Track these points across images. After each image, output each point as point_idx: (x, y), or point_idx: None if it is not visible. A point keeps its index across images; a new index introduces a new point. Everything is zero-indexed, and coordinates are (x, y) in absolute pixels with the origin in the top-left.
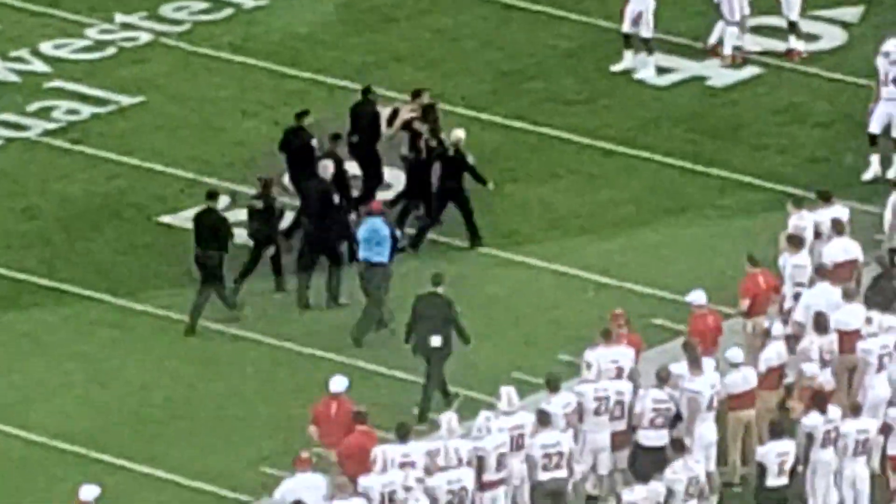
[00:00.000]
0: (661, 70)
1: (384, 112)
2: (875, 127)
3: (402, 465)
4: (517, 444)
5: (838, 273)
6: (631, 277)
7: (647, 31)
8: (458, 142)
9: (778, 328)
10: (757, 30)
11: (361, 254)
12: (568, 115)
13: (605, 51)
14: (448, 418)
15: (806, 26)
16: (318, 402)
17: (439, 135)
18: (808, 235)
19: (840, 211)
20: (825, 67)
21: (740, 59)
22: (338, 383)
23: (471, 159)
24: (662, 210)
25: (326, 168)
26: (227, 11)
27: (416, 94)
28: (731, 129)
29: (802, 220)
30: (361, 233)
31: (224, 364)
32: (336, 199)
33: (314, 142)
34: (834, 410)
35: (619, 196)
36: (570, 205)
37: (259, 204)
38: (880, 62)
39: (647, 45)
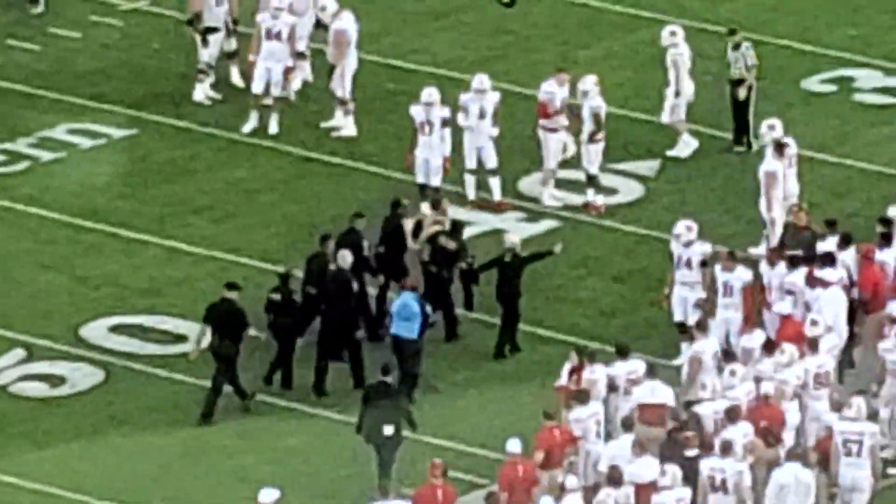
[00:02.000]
0: (457, 223)
1: (408, 224)
2: (678, 314)
3: None
4: None
5: (646, 414)
6: (430, 431)
7: (437, 181)
8: (513, 247)
9: (572, 481)
10: (556, 183)
11: (393, 329)
12: None
13: None
14: None
15: (604, 180)
16: None
17: (467, 251)
18: (601, 389)
19: (637, 364)
20: (622, 221)
21: (508, 206)
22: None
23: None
24: None
25: (345, 258)
26: (24, 164)
27: (435, 205)
28: (527, 281)
29: (593, 374)
30: (394, 308)
31: None
32: (355, 286)
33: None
34: None
35: None
36: None
37: (277, 297)
38: (673, 245)
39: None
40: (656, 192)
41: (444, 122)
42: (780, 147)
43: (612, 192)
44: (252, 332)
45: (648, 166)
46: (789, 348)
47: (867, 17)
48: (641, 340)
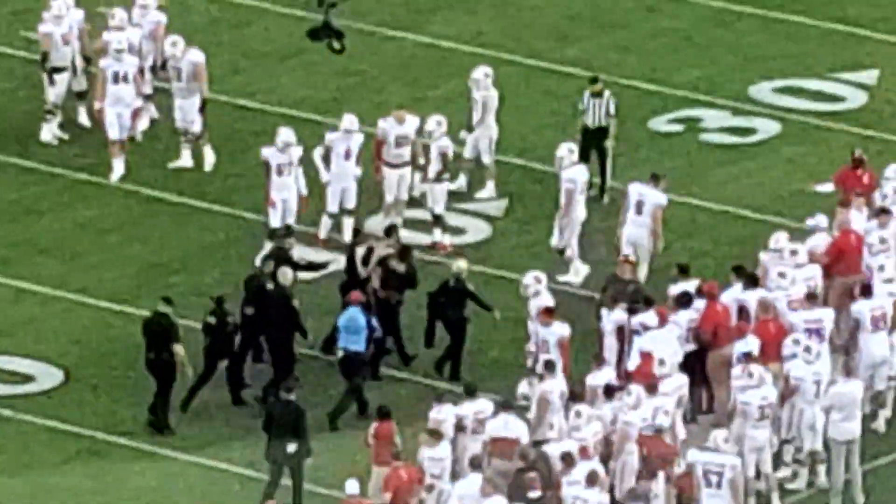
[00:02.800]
0: (301, 266)
1: (359, 251)
2: (523, 386)
3: None
4: None
5: (499, 447)
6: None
7: (291, 220)
8: (459, 272)
9: None
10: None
11: (340, 342)
12: None
13: (252, 244)
14: None
15: (451, 219)
16: None
17: (415, 274)
18: (448, 430)
19: (485, 405)
20: (470, 260)
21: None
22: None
23: (472, 287)
24: None
25: (286, 275)
26: None
27: (388, 232)
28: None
29: (440, 414)
30: (341, 322)
31: None
32: (296, 303)
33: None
34: None
35: None
36: None
37: (212, 320)
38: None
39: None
40: (504, 232)
41: (300, 162)
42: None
43: (459, 231)
44: (179, 348)
45: (496, 206)
46: (636, 389)
47: (713, 58)
48: (489, 381)
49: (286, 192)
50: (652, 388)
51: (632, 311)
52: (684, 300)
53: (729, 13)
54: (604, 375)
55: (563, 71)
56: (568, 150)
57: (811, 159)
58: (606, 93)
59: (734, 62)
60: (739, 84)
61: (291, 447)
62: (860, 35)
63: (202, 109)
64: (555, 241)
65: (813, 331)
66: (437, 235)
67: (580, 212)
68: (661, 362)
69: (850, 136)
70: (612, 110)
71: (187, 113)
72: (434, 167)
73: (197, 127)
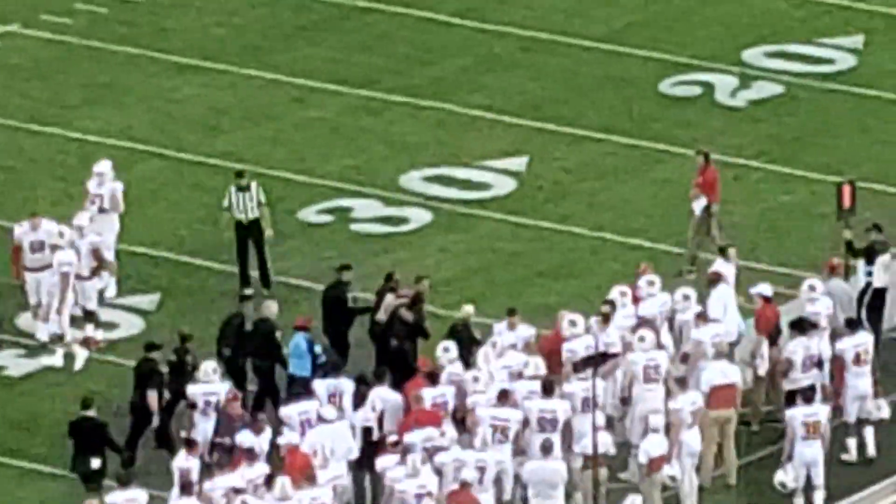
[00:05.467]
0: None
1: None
2: None
3: None
4: None
5: None
6: None
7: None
8: (467, 318)
9: None
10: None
11: (290, 368)
12: None
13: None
14: None
15: (105, 315)
16: None
17: (423, 324)
18: None
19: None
20: (123, 355)
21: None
22: None
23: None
24: None
25: (270, 308)
26: None
27: (388, 278)
28: (28, 419)
29: None
30: (290, 347)
31: None
32: (279, 335)
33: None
34: None
35: None
36: None
37: (173, 357)
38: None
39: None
40: (157, 326)
41: None
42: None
43: (112, 326)
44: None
45: (149, 300)
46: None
47: (362, 148)
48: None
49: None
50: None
51: None
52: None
53: (377, 102)
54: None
55: (212, 164)
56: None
57: (460, 247)
58: (253, 185)
59: (384, 151)
60: (390, 173)
61: (95, 463)
62: (507, 122)
63: None
64: None
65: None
66: (89, 331)
67: None
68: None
69: (498, 222)
70: (263, 199)
71: None
72: (86, 263)
73: None
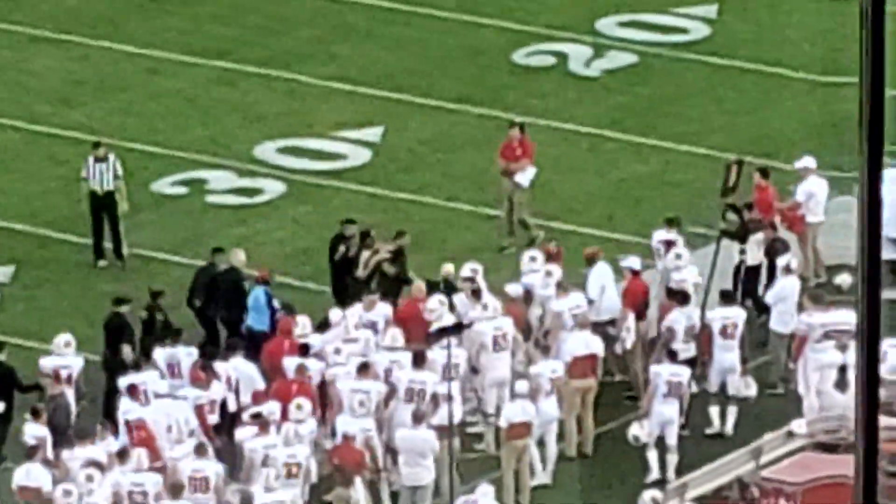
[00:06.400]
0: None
1: (364, 255)
2: None
3: None
4: None
5: None
6: None
7: None
8: (448, 275)
9: None
10: None
11: (247, 321)
12: None
13: None
14: None
15: None
16: None
17: (406, 277)
18: None
19: None
20: None
21: None
22: None
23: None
24: None
25: (237, 255)
26: None
27: (365, 235)
28: None
29: None
30: (249, 301)
31: None
32: (246, 285)
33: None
34: None
35: None
36: None
37: (144, 315)
38: None
39: None
40: (10, 298)
41: None
42: None
43: None
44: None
45: (3, 272)
46: None
47: (216, 119)
48: None
49: None
50: None
51: None
52: None
53: (231, 73)
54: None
55: (66, 136)
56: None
57: (313, 218)
58: (111, 156)
59: (238, 122)
60: (244, 144)
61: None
62: (361, 93)
63: None
64: None
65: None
66: None
67: None
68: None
69: (352, 193)
70: (119, 172)
71: None
72: None
73: None
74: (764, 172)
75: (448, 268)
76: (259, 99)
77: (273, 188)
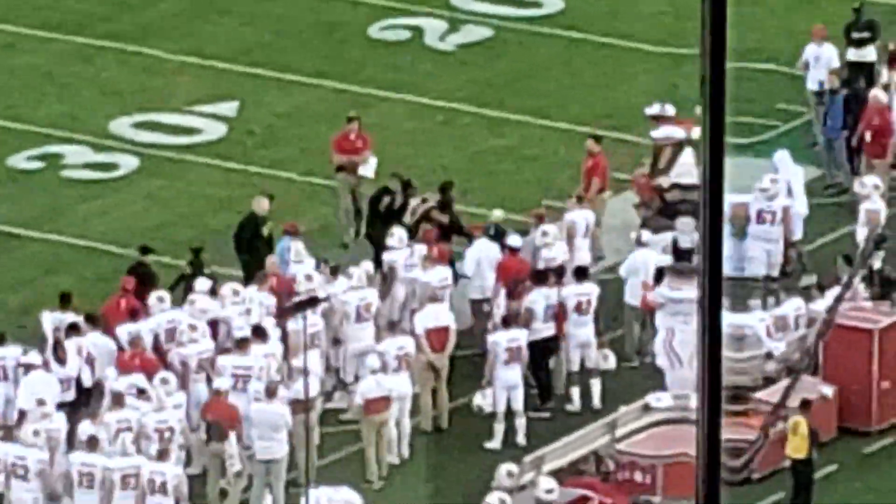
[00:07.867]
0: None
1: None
2: None
3: None
4: None
5: None
6: None
7: None
8: (497, 220)
9: None
10: None
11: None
12: None
13: None
14: None
15: None
16: None
17: (459, 223)
18: None
19: None
20: None
21: None
22: None
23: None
24: None
25: (260, 203)
26: None
27: (406, 186)
28: None
29: None
30: (277, 251)
31: None
32: (266, 231)
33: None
34: None
35: None
36: None
37: (188, 269)
38: None
39: None
40: None
41: None
42: None
43: None
44: None
45: None
46: None
47: (73, 94)
48: None
49: None
50: None
51: None
52: None
53: (88, 48)
54: None
55: None
56: None
57: (169, 192)
58: None
59: (94, 97)
60: (100, 119)
61: None
62: (217, 68)
63: None
64: None
65: None
66: None
67: None
68: None
69: (210, 168)
70: None
71: None
72: None
73: None
74: (596, 138)
75: (498, 213)
76: (115, 74)
77: (128, 163)
